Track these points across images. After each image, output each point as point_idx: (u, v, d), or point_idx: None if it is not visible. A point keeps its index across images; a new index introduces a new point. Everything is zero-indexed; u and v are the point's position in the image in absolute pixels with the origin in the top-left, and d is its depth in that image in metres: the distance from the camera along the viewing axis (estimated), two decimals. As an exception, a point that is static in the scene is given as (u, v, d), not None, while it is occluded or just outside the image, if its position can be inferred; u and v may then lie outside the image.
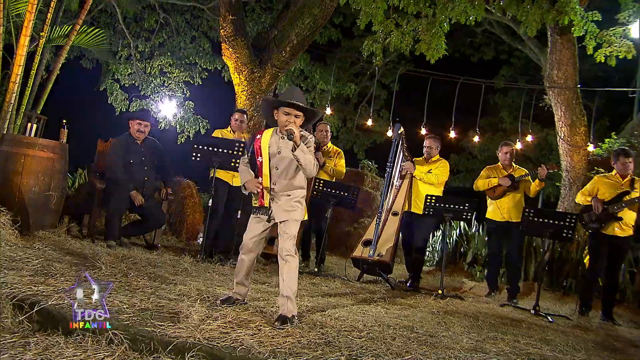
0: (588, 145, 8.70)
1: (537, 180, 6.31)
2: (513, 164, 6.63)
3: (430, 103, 10.40)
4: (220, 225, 6.14)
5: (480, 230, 8.79)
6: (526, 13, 7.52)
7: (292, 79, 13.67)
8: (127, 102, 13.90)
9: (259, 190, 3.54)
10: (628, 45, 7.84)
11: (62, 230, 5.76)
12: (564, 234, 5.68)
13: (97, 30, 8.49)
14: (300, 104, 3.46)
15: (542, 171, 6.22)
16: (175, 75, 14.20)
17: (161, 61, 13.97)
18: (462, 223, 8.75)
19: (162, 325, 2.90)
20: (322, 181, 6.18)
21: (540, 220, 5.71)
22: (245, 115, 6.28)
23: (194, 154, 5.59)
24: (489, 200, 6.62)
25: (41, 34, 7.41)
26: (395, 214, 6.35)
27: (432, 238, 9.17)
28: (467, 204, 5.83)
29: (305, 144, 3.45)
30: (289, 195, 3.51)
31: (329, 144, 6.69)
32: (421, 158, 6.65)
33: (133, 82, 13.96)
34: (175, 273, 4.54)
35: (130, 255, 4.95)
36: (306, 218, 3.63)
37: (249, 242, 3.60)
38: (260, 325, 3.15)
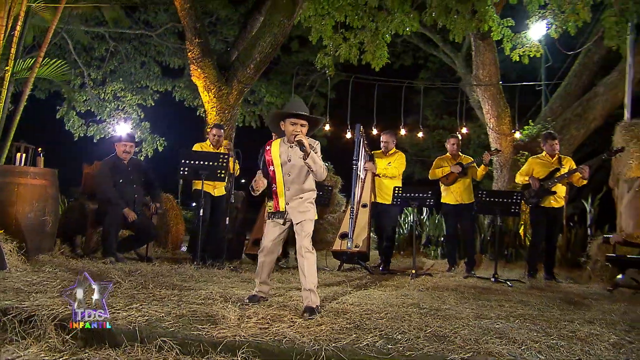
0: (514, 133, 9.10)
1: (482, 165, 6.53)
2: (460, 153, 6.83)
3: (362, 106, 10.62)
4: (208, 233, 5.97)
5: (429, 215, 9.00)
6: (454, 22, 7.77)
7: (241, 93, 13.46)
8: (85, 127, 13.29)
9: (260, 185, 3.50)
10: (537, 46, 8.26)
11: (57, 252, 5.43)
12: (512, 210, 5.91)
13: (59, 62, 8.12)
14: (306, 114, 3.45)
15: (486, 157, 6.45)
16: (128, 99, 13.75)
17: (114, 86, 13.52)
18: (414, 210, 8.89)
19: (205, 328, 2.79)
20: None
21: (492, 199, 5.92)
22: (222, 130, 6.13)
23: (182, 168, 5.41)
24: (442, 187, 6.78)
25: (6, 68, 7.04)
26: (364, 205, 6.38)
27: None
28: (429, 192, 5.95)
29: (314, 152, 3.42)
30: (302, 197, 3.48)
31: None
32: (379, 151, 6.71)
33: (89, 107, 13.38)
34: (185, 280, 4.38)
35: (136, 269, 4.73)
36: (316, 217, 3.58)
37: (269, 245, 3.56)
38: (292, 318, 3.09)
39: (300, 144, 3.31)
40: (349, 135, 9.59)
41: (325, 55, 8.12)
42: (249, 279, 4.69)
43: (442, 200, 6.81)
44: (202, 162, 5.41)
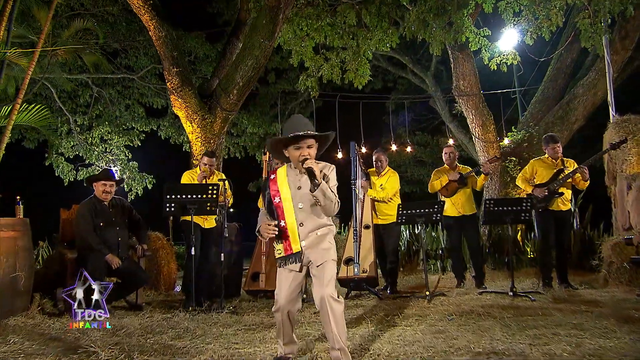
0: (502, 140, 8.29)
1: (482, 175, 5.66)
2: (457, 163, 5.94)
3: (341, 128, 9.87)
4: (199, 270, 4.91)
5: (425, 229, 8.05)
6: (432, 35, 6.99)
7: (223, 126, 12.54)
8: (75, 172, 12.28)
9: (273, 234, 2.49)
10: (514, 53, 7.52)
11: (35, 311, 4.31)
12: (523, 217, 5.02)
13: (38, 106, 7.14)
14: (309, 133, 2.44)
15: (486, 166, 5.59)
16: (115, 140, 12.75)
17: (100, 130, 12.51)
18: (410, 225, 7.95)
19: None
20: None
21: (501, 208, 5.01)
22: (214, 159, 5.09)
23: (168, 205, 4.38)
24: (443, 199, 5.86)
25: None
26: (367, 227, 5.42)
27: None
28: (435, 206, 5.04)
29: (326, 181, 2.44)
30: (317, 233, 2.48)
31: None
32: (373, 170, 5.82)
33: (77, 152, 12.38)
34: (179, 337, 3.31)
35: (121, 326, 3.65)
36: (336, 259, 2.58)
37: (285, 302, 2.49)
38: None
39: (310, 173, 2.37)
40: (340, 155, 8.64)
41: (307, 77, 7.21)
42: (253, 325, 3.65)
43: (443, 213, 5.87)
44: (189, 196, 4.40)
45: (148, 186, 12.70)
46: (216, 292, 4.87)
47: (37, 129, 12.16)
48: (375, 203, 5.61)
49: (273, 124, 13.52)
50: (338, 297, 2.37)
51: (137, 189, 12.59)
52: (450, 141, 9.71)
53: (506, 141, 8.31)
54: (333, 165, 2.55)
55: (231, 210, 6.64)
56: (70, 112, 12.20)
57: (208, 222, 4.97)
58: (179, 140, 12.92)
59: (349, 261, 5.22)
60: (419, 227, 7.57)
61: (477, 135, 8.23)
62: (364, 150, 8.56)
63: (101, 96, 12.53)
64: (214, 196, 4.49)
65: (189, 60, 12.39)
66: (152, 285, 5.77)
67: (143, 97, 12.74)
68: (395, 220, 5.18)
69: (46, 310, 4.63)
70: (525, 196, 5.40)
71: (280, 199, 2.51)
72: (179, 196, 4.38)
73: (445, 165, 5.95)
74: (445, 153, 5.95)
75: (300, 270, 2.49)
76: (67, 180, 12.21)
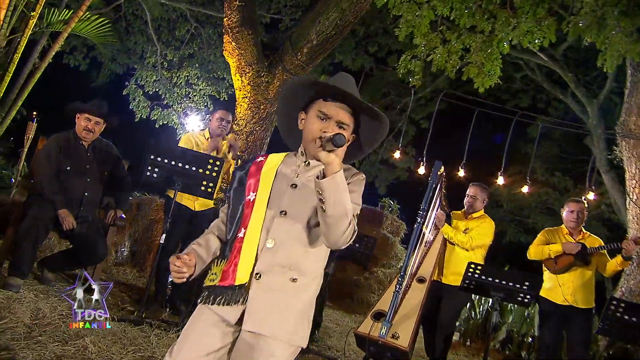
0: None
1: (619, 256, 4.18)
2: (582, 228, 4.50)
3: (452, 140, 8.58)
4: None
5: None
6: (608, 41, 5.44)
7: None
8: (149, 109, 12.48)
9: (181, 276, 1.65)
10: None
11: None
12: (667, 344, 3.52)
13: (102, 19, 6.99)
14: (357, 98, 1.63)
15: (630, 246, 4.09)
16: (201, 87, 12.76)
17: (188, 72, 12.55)
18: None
19: None
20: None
21: (633, 319, 3.55)
22: (230, 115, 4.33)
23: (150, 167, 3.62)
24: (546, 275, 4.47)
25: (32, 13, 5.94)
26: (421, 280, 4.24)
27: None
28: (526, 282, 3.72)
29: (349, 183, 1.61)
30: (296, 279, 1.56)
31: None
32: (460, 212, 4.61)
33: (157, 90, 12.53)
34: (62, 344, 2.50)
35: (14, 310, 2.94)
36: (305, 345, 1.59)
37: None
38: None
39: (336, 139, 1.47)
40: (422, 170, 7.28)
41: (413, 58, 6.03)
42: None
43: (541, 294, 4.47)
44: (179, 165, 3.60)
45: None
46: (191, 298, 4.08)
47: (127, 54, 12.56)
48: (447, 256, 4.44)
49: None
50: None
51: (208, 144, 12.51)
52: (592, 195, 7.90)
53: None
54: (363, 175, 1.75)
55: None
56: (163, 44, 12.32)
57: (200, 202, 4.16)
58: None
59: (379, 316, 4.11)
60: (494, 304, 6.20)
61: (633, 197, 6.44)
62: (462, 173, 7.17)
63: (199, 34, 12.47)
64: (214, 174, 3.65)
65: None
66: (137, 264, 5.14)
67: (244, 48, 12.48)
68: (463, 283, 3.96)
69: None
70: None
71: (255, 195, 1.64)
72: (165, 160, 3.60)
73: (563, 226, 4.53)
74: (571, 211, 4.52)
75: (236, 324, 1.55)
76: (139, 115, 12.42)
